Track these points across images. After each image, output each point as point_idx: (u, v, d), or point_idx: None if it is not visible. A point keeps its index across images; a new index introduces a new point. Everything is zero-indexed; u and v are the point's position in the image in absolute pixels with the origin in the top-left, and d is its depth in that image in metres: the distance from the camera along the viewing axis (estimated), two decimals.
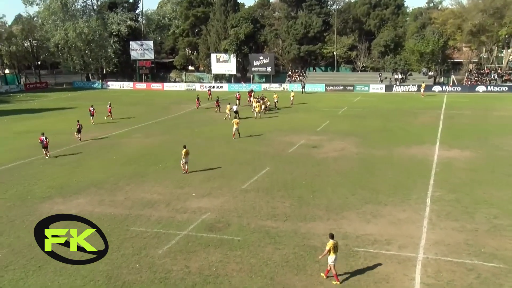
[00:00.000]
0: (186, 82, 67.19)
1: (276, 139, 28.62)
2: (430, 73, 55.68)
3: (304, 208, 16.96)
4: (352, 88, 55.16)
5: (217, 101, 40.48)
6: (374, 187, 19.09)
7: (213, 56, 62.78)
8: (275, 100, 41.59)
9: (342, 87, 55.53)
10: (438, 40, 54.27)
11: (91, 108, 35.55)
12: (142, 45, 65.63)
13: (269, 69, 60.99)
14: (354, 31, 66.48)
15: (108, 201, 18.01)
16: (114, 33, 65.52)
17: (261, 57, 61.30)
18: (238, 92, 46.17)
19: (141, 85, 63.96)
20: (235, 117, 32.16)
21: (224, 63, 62.46)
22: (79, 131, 29.30)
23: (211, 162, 23.47)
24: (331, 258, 12.00)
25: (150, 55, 65.97)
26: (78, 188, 19.68)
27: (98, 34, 64.33)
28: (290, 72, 62.56)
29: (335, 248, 12.03)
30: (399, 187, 19.01)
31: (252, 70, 62.43)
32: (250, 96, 43.20)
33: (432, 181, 19.75)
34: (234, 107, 36.19)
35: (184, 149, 21.34)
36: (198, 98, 43.20)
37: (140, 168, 22.59)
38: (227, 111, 36.30)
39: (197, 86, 60.85)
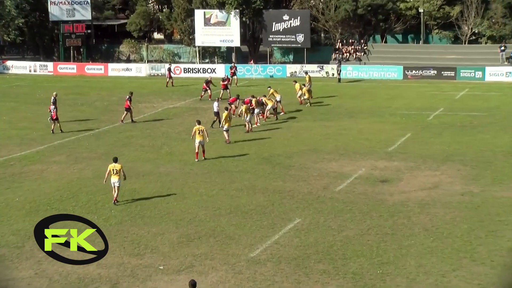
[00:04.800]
0: (148, 61, 67.83)
1: (312, 168, 28.73)
2: None
3: None
4: (453, 73, 55.39)
5: (237, 98, 40.88)
6: (496, 257, 19.03)
7: (198, 14, 63.54)
8: (298, 95, 42.86)
9: (435, 72, 55.81)
10: None
11: None
12: None
13: (300, 38, 61.63)
14: None
15: (7, 279, 18.10)
16: None
17: (285, 17, 61.95)
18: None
19: (68, 68, 64.85)
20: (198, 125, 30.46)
21: (219, 28, 63.15)
22: None
23: (191, 209, 23.57)
24: None
25: (85, 14, 67.02)
26: None
27: None
28: (339, 44, 63.00)
29: None
30: None
31: (270, 40, 63.05)
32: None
33: None
34: (215, 105, 37.12)
35: (114, 164, 24.07)
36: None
37: None
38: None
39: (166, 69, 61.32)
